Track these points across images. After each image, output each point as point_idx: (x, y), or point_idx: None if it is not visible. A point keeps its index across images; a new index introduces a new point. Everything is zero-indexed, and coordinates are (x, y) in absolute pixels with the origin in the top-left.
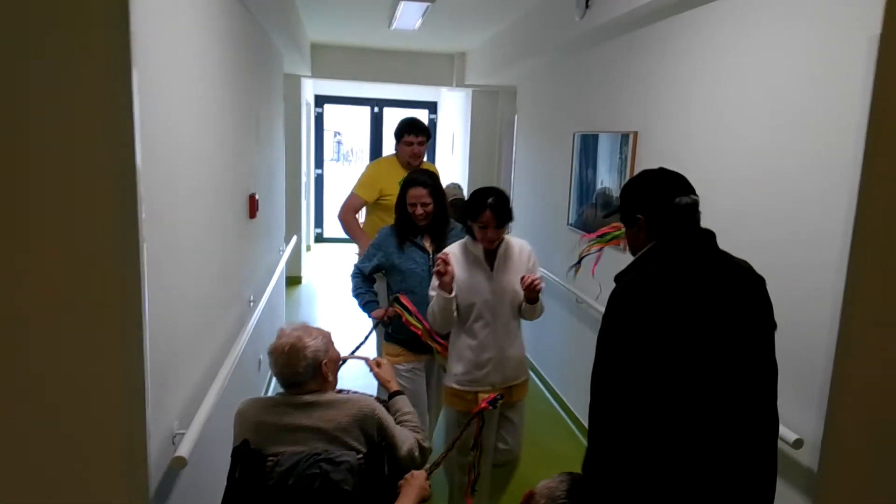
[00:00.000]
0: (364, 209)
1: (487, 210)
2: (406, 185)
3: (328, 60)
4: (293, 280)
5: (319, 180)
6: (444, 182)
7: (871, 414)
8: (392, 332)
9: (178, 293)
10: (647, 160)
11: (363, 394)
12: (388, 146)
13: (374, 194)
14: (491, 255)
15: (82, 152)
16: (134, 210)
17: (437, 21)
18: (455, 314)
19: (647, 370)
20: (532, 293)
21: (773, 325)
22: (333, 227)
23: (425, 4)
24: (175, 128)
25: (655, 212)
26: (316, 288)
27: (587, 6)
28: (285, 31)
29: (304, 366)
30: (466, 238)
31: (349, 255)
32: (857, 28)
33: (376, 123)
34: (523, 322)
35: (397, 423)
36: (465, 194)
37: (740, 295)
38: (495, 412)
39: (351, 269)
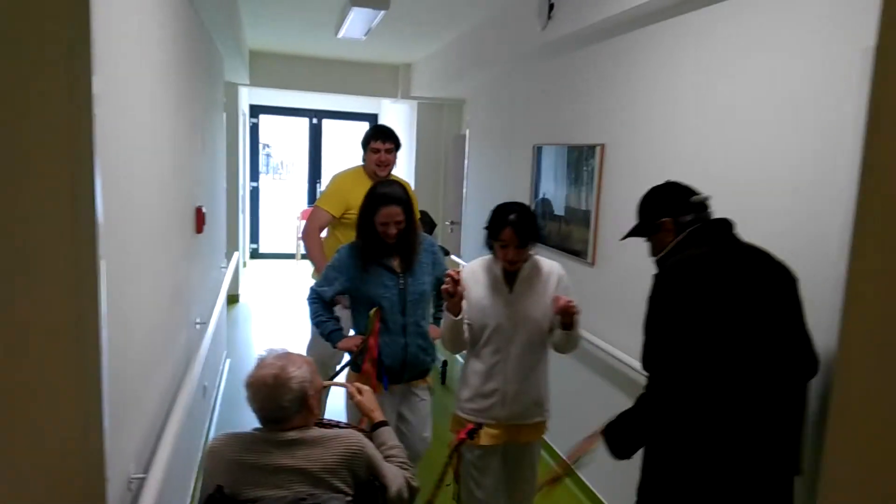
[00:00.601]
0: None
1: (508, 227)
2: (376, 202)
3: (267, 68)
4: (231, 299)
5: (255, 193)
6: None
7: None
8: (361, 361)
9: (132, 319)
10: (616, 172)
11: (349, 426)
12: (328, 159)
13: (340, 209)
14: (512, 276)
15: (39, 167)
16: (92, 227)
17: (384, 31)
18: (466, 336)
19: (701, 338)
20: (567, 317)
21: (798, 300)
22: (270, 243)
23: (378, 12)
24: (125, 132)
25: (679, 211)
26: (252, 307)
27: (549, 16)
28: (229, 36)
29: (289, 399)
30: (490, 255)
31: (287, 271)
32: (822, 40)
33: (315, 135)
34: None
35: (384, 459)
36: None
37: (765, 270)
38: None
39: (307, 293)
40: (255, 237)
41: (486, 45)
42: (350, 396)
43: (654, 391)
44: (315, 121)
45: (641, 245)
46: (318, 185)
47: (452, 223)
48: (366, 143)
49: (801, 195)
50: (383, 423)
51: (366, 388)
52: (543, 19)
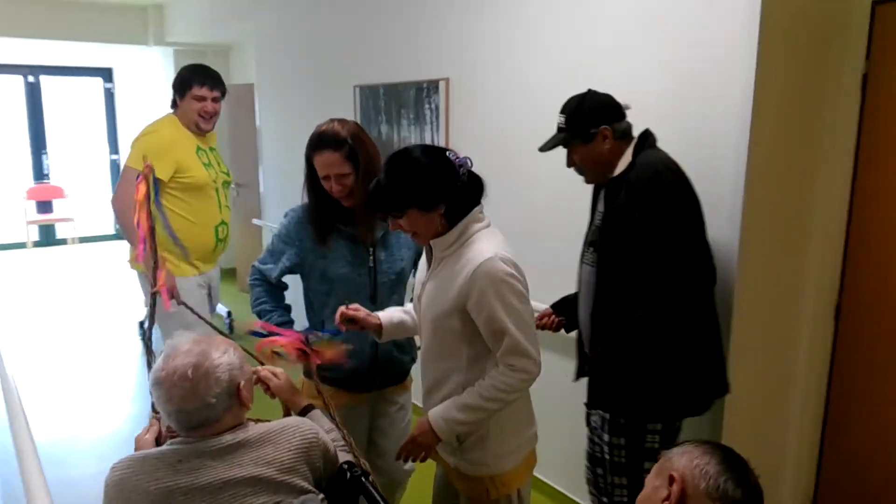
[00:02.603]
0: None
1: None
2: (308, 147)
3: None
4: None
5: None
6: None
7: None
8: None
9: None
10: (463, 108)
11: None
12: (52, 122)
13: (168, 169)
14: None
15: None
16: None
17: None
18: (411, 323)
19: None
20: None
21: None
22: None
23: None
24: None
25: (616, 118)
26: None
27: None
28: None
29: (216, 393)
30: None
31: (16, 265)
32: None
33: (33, 96)
34: None
35: None
36: None
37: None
38: None
39: (249, 272)
40: None
41: None
42: (263, 385)
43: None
44: (32, 79)
45: (504, 179)
46: (43, 155)
47: (238, 185)
48: (184, 86)
49: (670, 119)
50: (311, 407)
51: (279, 370)
52: None
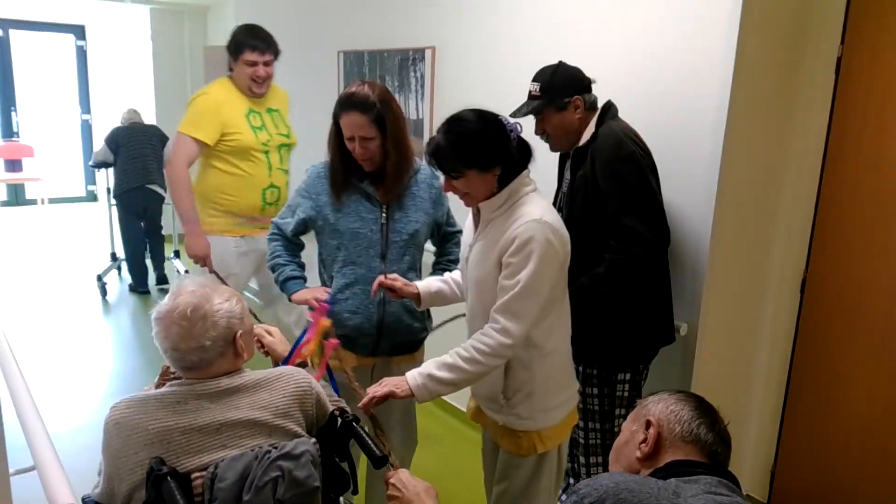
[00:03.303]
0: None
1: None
2: (336, 106)
3: None
4: None
5: None
6: (122, 108)
7: None
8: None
9: None
10: (449, 77)
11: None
12: (22, 79)
13: (214, 133)
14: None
15: None
16: None
17: None
18: (450, 291)
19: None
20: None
21: None
22: None
23: None
24: None
25: (586, 90)
26: None
27: None
28: None
29: (211, 336)
30: None
31: None
32: None
33: (2, 51)
34: None
35: None
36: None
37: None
38: None
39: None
40: None
41: None
42: (257, 341)
43: (634, 256)
44: (1, 33)
45: None
46: (12, 112)
47: None
48: (237, 50)
49: (649, 95)
50: (302, 365)
51: (274, 328)
52: None
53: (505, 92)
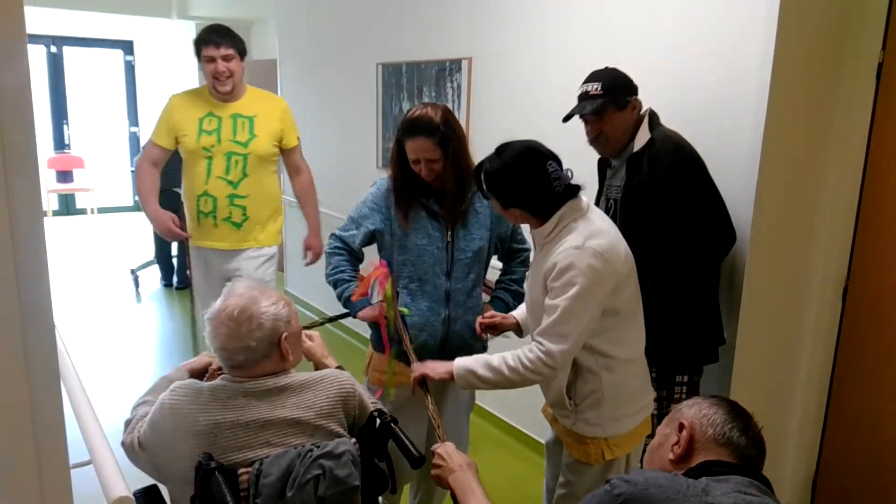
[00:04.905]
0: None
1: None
2: (400, 131)
3: None
4: None
5: None
6: None
7: None
8: (396, 341)
9: None
10: (485, 87)
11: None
12: (74, 94)
13: (169, 136)
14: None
15: None
16: None
17: None
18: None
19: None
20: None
21: None
22: None
23: None
24: None
25: (636, 93)
26: None
27: None
28: None
29: (257, 338)
30: None
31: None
32: None
33: (55, 67)
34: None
35: None
36: None
37: None
38: None
39: (328, 242)
40: None
41: None
42: None
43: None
44: (54, 49)
45: None
46: (64, 125)
47: None
48: (196, 49)
49: (688, 100)
50: (340, 369)
51: (315, 333)
52: None
53: (540, 102)
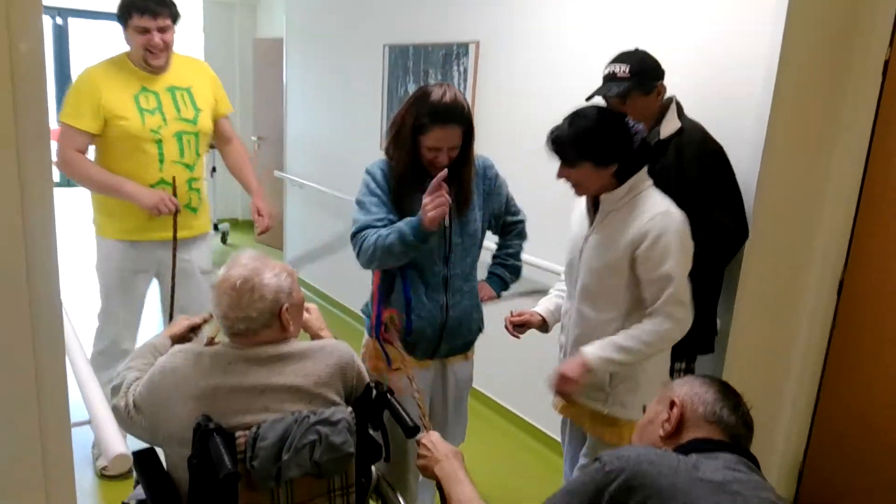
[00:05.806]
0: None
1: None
2: (430, 116)
3: None
4: None
5: None
6: None
7: None
8: (386, 329)
9: None
10: (493, 71)
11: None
12: (78, 66)
13: (98, 120)
14: (597, 205)
15: None
16: None
17: None
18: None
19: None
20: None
21: None
22: None
23: None
24: None
25: (662, 78)
26: None
27: None
28: None
29: (258, 309)
30: None
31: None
32: None
33: (60, 38)
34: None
35: None
36: None
37: None
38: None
39: (353, 241)
40: None
41: None
42: None
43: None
44: (60, 20)
45: (532, 144)
46: None
47: (260, 138)
48: (125, 15)
49: (696, 87)
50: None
51: (312, 305)
52: None
53: (547, 88)
